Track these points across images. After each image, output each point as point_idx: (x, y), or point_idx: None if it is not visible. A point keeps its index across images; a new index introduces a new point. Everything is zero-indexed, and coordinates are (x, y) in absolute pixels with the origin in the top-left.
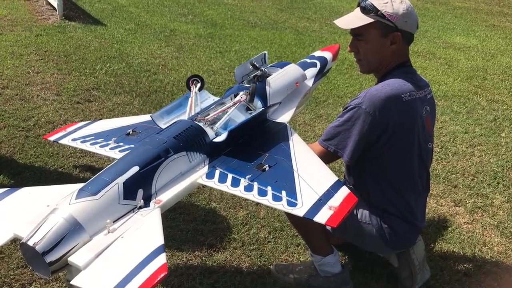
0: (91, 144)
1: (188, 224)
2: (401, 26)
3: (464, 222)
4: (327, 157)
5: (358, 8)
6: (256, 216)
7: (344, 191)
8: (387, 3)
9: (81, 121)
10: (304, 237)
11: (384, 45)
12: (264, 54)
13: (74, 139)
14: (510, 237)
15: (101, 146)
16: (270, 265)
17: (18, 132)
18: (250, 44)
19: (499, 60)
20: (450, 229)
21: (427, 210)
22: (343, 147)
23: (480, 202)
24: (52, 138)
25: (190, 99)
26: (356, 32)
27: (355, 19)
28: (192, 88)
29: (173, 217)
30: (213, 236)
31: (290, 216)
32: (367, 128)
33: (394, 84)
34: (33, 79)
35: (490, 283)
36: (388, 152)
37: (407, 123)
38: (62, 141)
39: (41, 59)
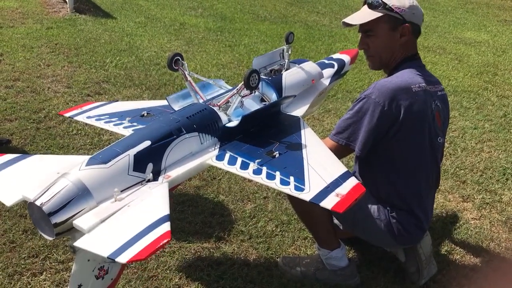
0: (105, 122)
1: (196, 217)
2: (409, 18)
3: (472, 218)
4: (339, 152)
5: (365, 6)
6: (263, 209)
7: (352, 181)
8: None
9: None
10: (311, 230)
11: (394, 38)
12: (283, 50)
13: (89, 117)
14: None
15: (115, 125)
16: (277, 258)
17: (29, 124)
18: (260, 38)
19: (510, 56)
20: (457, 224)
21: (435, 205)
22: (355, 139)
23: (489, 198)
24: (67, 115)
25: (189, 82)
26: (366, 28)
27: (364, 15)
28: (182, 71)
29: (181, 209)
30: (221, 228)
31: (297, 210)
32: (377, 118)
33: (403, 76)
34: (44, 71)
35: (497, 278)
36: (399, 144)
37: (417, 113)
38: (77, 118)
39: (52, 52)
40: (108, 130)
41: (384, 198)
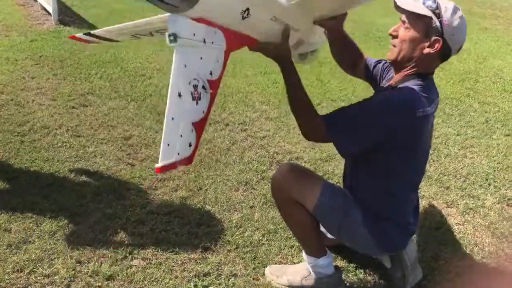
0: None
1: (182, 227)
2: (447, 36)
3: (456, 223)
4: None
5: None
6: (250, 218)
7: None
8: (447, 8)
9: (77, 126)
10: (298, 238)
11: (421, 43)
12: None
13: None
14: (500, 238)
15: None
16: (264, 267)
17: (14, 137)
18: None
19: (491, 63)
20: (442, 230)
21: (419, 211)
22: (346, 135)
23: (472, 203)
24: (78, 35)
25: None
26: (405, 18)
27: (413, 3)
28: None
29: (168, 220)
30: (207, 239)
31: (284, 217)
32: (378, 129)
33: (411, 93)
34: (28, 84)
35: (481, 282)
36: (392, 158)
37: (417, 136)
38: (93, 33)
39: (36, 64)
40: (94, 142)
41: (370, 206)
